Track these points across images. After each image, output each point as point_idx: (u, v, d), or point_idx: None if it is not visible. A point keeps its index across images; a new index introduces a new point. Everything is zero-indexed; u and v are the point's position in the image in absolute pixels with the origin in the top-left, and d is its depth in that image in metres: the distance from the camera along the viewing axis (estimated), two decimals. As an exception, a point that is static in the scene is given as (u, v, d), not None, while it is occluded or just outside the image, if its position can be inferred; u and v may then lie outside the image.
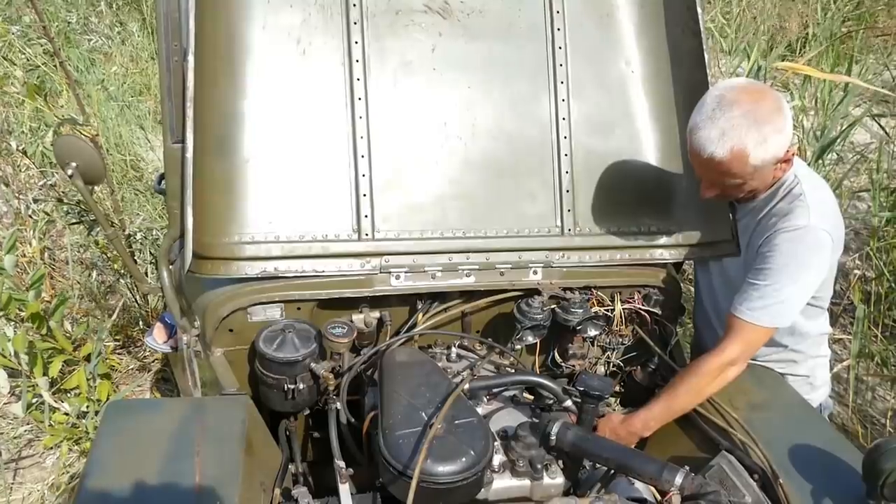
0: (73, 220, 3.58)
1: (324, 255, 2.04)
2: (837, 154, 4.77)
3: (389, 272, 2.08)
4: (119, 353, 3.94)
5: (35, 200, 3.46)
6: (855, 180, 4.79)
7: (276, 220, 2.02)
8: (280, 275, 2.01)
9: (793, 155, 1.99)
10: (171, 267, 2.30)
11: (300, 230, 2.03)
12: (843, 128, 4.15)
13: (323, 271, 2.04)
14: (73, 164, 2.05)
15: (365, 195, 2.08)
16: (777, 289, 1.94)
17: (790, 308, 1.97)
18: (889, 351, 3.73)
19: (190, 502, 1.50)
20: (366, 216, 2.08)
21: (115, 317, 3.59)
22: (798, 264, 1.95)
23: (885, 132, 3.95)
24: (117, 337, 3.98)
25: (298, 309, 2.09)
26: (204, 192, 1.99)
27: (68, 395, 3.16)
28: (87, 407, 3.04)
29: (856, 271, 4.16)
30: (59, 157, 2.07)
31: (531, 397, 2.09)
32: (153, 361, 3.90)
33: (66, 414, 2.93)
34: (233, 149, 2.00)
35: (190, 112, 1.97)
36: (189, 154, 1.97)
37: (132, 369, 3.79)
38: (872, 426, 3.50)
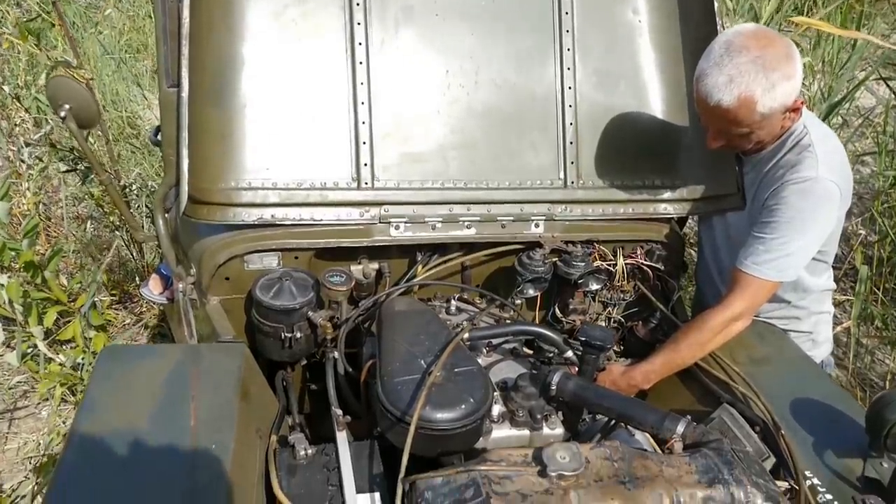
0: (67, 168, 3.53)
1: (322, 203, 2.00)
2: (843, 118, 4.71)
3: (389, 222, 2.04)
4: (115, 308, 3.92)
5: (27, 144, 3.39)
6: (859, 144, 4.74)
7: (274, 167, 1.98)
8: (277, 222, 1.97)
9: (802, 104, 1.94)
10: (166, 215, 2.26)
11: (298, 177, 1.99)
12: (850, 88, 4.09)
13: (321, 220, 2.00)
14: (67, 107, 2.00)
15: (364, 143, 2.03)
16: (783, 242, 1.91)
17: (796, 262, 1.94)
18: (890, 314, 3.72)
19: (184, 445, 1.48)
20: (365, 164, 2.03)
21: (109, 258, 3.54)
22: (805, 217, 1.91)
23: (894, 92, 3.89)
24: (113, 292, 3.96)
25: (296, 258, 2.05)
26: (200, 137, 1.94)
27: (64, 347, 3.14)
28: (83, 359, 3.03)
29: (860, 231, 4.13)
30: (51, 98, 2.01)
31: (531, 352, 2.07)
32: (151, 317, 3.88)
33: (62, 365, 2.91)
34: (230, 93, 1.94)
35: (186, 52, 1.91)
36: (185, 96, 1.92)
37: (128, 324, 3.77)
38: (872, 390, 3.50)
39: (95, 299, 3.63)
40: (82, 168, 3.36)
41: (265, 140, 1.97)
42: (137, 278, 3.96)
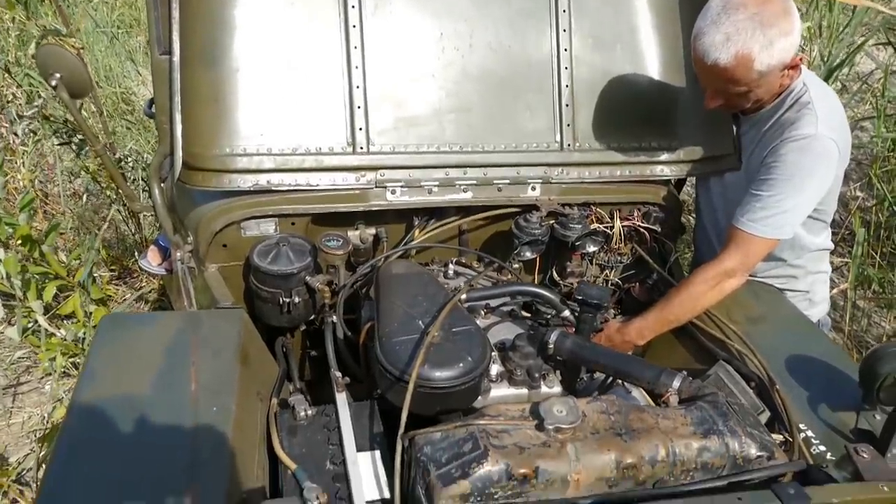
0: (62, 142, 3.51)
1: (318, 168, 2.00)
2: (842, 83, 4.69)
3: (385, 187, 2.04)
4: (116, 284, 3.92)
5: (20, 117, 3.37)
6: (858, 109, 4.72)
7: (268, 133, 1.97)
8: (273, 188, 1.97)
9: (801, 60, 1.93)
10: (162, 185, 2.26)
11: (293, 143, 1.98)
12: (849, 53, 4.06)
13: (317, 185, 2.00)
14: (58, 75, 1.98)
15: (359, 107, 2.03)
16: (780, 199, 1.91)
17: (793, 219, 1.94)
18: (887, 277, 3.73)
19: (185, 410, 1.49)
20: (360, 129, 2.03)
21: (105, 228, 3.52)
22: (803, 175, 1.91)
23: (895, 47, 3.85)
24: (113, 267, 3.97)
25: (293, 224, 2.06)
26: (192, 101, 1.93)
27: (65, 322, 3.15)
28: (84, 333, 3.04)
29: (858, 195, 4.14)
30: (41, 67, 2.00)
31: (529, 314, 2.08)
32: (150, 291, 3.89)
33: (63, 339, 2.93)
34: (221, 56, 1.93)
35: (176, 16, 1.89)
36: (176, 61, 1.91)
37: (129, 299, 3.78)
38: (868, 352, 3.52)
39: (95, 275, 3.65)
40: (76, 141, 3.34)
41: (259, 105, 1.96)
42: (136, 253, 3.96)
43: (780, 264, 2.21)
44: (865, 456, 1.32)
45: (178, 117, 1.89)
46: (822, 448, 1.57)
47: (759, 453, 1.34)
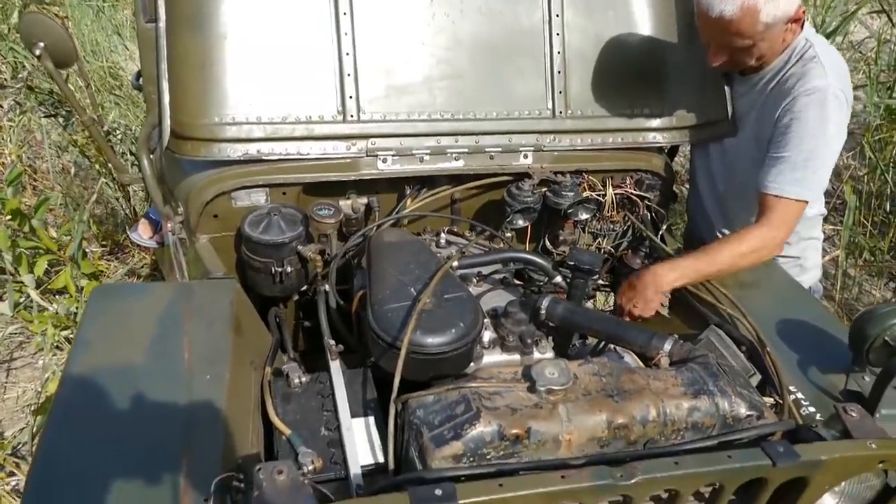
0: (48, 114, 3.47)
1: (308, 137, 1.98)
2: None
3: (376, 155, 2.03)
4: (107, 259, 3.91)
5: (2, 87, 3.32)
6: (851, 78, 4.71)
7: (257, 101, 1.95)
8: (263, 158, 1.96)
9: (804, 13, 1.93)
10: (151, 156, 2.24)
11: (283, 112, 1.97)
12: (844, 18, 4.04)
13: (308, 154, 1.99)
14: (41, 44, 1.95)
15: (349, 75, 2.01)
16: (807, 158, 1.89)
17: (822, 176, 1.94)
18: (877, 246, 3.75)
19: (179, 378, 1.50)
20: (350, 97, 2.01)
21: (94, 198, 3.50)
22: (826, 128, 1.89)
23: (890, 18, 3.84)
24: (104, 242, 3.95)
25: (284, 194, 2.05)
26: (179, 70, 1.91)
27: (57, 297, 3.14)
28: (76, 308, 3.04)
29: (851, 163, 4.14)
30: (25, 35, 1.97)
31: (521, 282, 2.08)
32: (142, 266, 3.88)
33: (55, 313, 2.92)
34: (208, 22, 1.90)
35: (162, -18, 1.86)
36: (162, 27, 1.88)
37: (121, 274, 3.77)
38: (858, 319, 3.54)
39: (87, 250, 3.63)
40: (63, 113, 3.31)
41: (247, 72, 1.94)
42: (127, 228, 3.94)
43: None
44: (854, 415, 1.33)
45: (165, 86, 1.87)
46: (812, 409, 1.59)
47: (748, 413, 1.35)
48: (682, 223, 3.97)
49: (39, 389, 2.77)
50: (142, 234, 2.69)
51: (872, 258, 3.78)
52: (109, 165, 3.15)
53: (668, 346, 1.52)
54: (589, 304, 2.26)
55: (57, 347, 3.06)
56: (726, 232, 2.30)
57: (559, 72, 2.15)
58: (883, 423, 1.39)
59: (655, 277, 1.92)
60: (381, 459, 1.47)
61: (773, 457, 1.21)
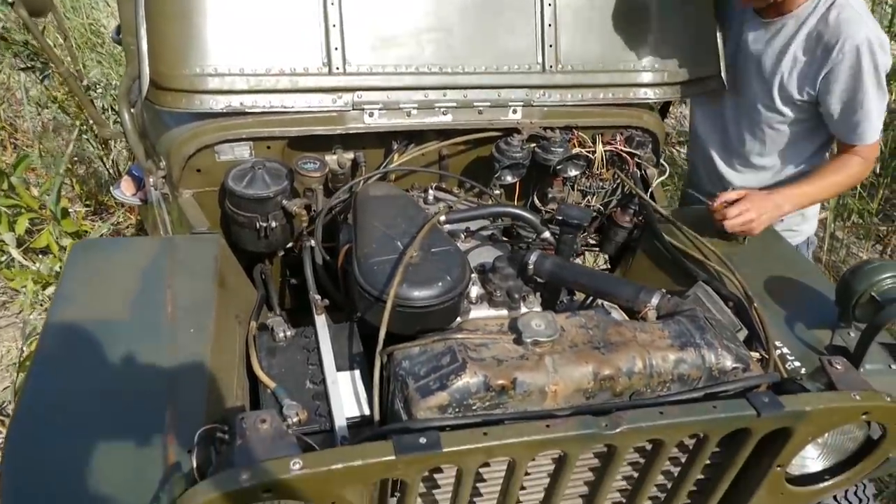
0: (24, 66, 3.39)
1: (292, 89, 1.94)
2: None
3: (362, 109, 1.99)
4: (91, 219, 3.86)
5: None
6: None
7: (240, 52, 1.90)
8: (247, 110, 1.91)
9: None
10: (132, 110, 2.19)
11: (266, 63, 1.92)
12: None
13: (292, 107, 1.94)
14: (16, -9, 1.89)
15: (335, 26, 1.96)
16: (877, 107, 2.07)
17: (882, 118, 2.12)
18: (866, 208, 3.75)
19: (162, 331, 1.48)
20: (336, 49, 1.96)
21: (71, 149, 3.43)
22: (879, 77, 2.04)
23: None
24: (87, 202, 3.89)
25: (268, 148, 2.01)
26: (159, 18, 1.85)
27: (40, 256, 3.10)
28: (59, 267, 3.00)
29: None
30: (-1, -18, 1.90)
31: (508, 239, 2.07)
32: (127, 227, 3.84)
33: (37, 270, 2.88)
34: None
35: (139, -75, 1.80)
36: (141, -27, 1.82)
37: (104, 234, 3.72)
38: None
39: (70, 210, 3.59)
40: (39, 65, 3.23)
41: (229, 21, 1.88)
42: (111, 187, 3.89)
43: (780, 173, 2.30)
44: (839, 368, 1.34)
45: (143, 34, 1.81)
46: (797, 364, 1.59)
47: (734, 365, 1.35)
48: (671, 184, 3.97)
49: (23, 348, 2.74)
50: (125, 190, 2.65)
51: (861, 220, 3.79)
52: (90, 121, 3.08)
53: (655, 300, 1.51)
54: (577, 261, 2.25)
55: (40, 306, 3.03)
56: (736, 182, 2.38)
57: (549, 25, 2.11)
58: (867, 378, 1.40)
59: (779, 209, 2.07)
60: (366, 412, 1.46)
61: (758, 407, 1.21)
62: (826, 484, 1.47)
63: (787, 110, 2.20)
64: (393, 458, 1.06)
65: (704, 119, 2.44)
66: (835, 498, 1.79)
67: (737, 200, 2.00)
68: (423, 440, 1.08)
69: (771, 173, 2.35)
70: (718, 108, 2.36)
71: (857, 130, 2.11)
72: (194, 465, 1.18)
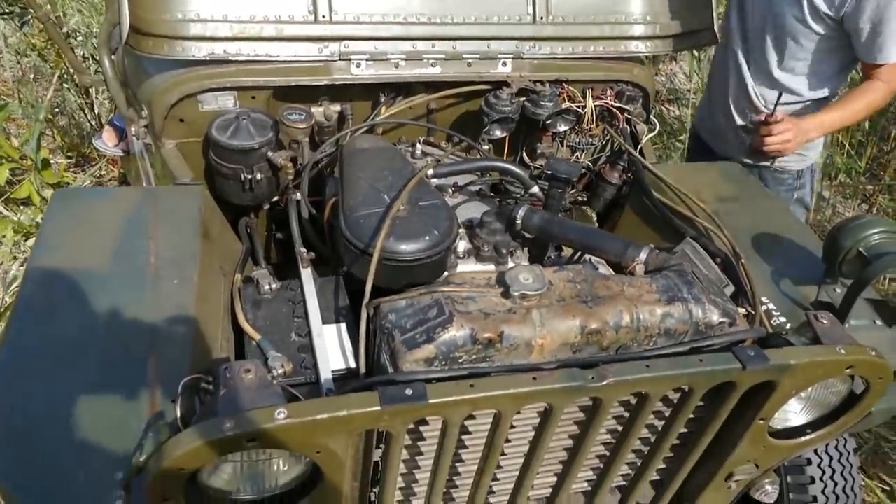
0: (1, 12, 3.29)
1: (277, 37, 1.89)
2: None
3: (349, 59, 1.94)
4: (74, 171, 3.80)
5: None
6: None
7: None
8: (230, 58, 1.86)
9: None
10: (112, 57, 2.13)
11: (251, 10, 1.86)
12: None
13: (277, 56, 1.90)
14: (-12, -70, 1.81)
15: (320, -29, 1.90)
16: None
17: None
18: (854, 166, 3.75)
19: (145, 281, 1.46)
20: (322, -5, 1.91)
21: (50, 94, 3.35)
22: None
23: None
24: (69, 153, 3.82)
25: (253, 98, 1.97)
26: (140, -40, 1.79)
27: (21, 207, 3.05)
28: (41, 218, 2.95)
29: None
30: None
31: (497, 195, 2.05)
32: (110, 179, 3.78)
33: (19, 221, 2.84)
34: None
35: None
36: (119, -89, 1.75)
37: (88, 185, 3.66)
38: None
39: (52, 161, 3.52)
40: (17, 10, 3.13)
41: None
42: (93, 139, 3.82)
43: (796, 92, 2.42)
44: (825, 322, 1.34)
45: None
46: (783, 319, 1.60)
47: (721, 320, 1.35)
48: (659, 142, 3.94)
49: (5, 298, 2.71)
50: (106, 141, 2.59)
51: (849, 179, 3.79)
52: (70, 70, 3.00)
53: (643, 255, 1.50)
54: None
55: (22, 254, 2.99)
56: (753, 98, 2.49)
57: None
58: (853, 333, 1.40)
59: (806, 135, 2.28)
60: (352, 365, 1.46)
61: (743, 360, 1.21)
62: (808, 437, 1.49)
63: (815, 25, 2.27)
64: (378, 408, 1.06)
65: (730, 30, 2.50)
66: (815, 451, 1.81)
67: (777, 122, 2.22)
68: (408, 391, 1.07)
69: (788, 91, 2.41)
70: (748, 12, 2.44)
71: (883, 50, 2.20)
72: (178, 414, 1.17)
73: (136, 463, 1.10)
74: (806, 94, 2.43)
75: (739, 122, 2.56)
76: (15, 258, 2.90)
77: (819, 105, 2.44)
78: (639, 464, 1.50)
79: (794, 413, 1.48)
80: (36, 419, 1.18)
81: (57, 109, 4.07)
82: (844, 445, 1.84)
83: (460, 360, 1.25)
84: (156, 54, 1.82)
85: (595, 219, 2.27)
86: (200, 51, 1.83)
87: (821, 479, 1.82)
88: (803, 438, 1.48)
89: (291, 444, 1.07)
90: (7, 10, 3.24)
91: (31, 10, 2.35)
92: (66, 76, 3.66)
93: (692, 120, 3.25)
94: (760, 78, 2.47)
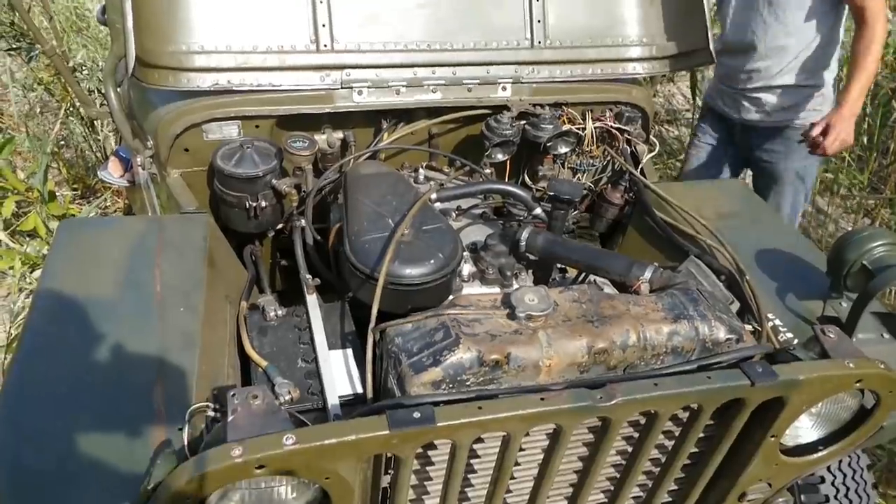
0: (9, 47, 3.33)
1: (280, 67, 1.91)
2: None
3: (351, 87, 1.97)
4: (79, 203, 3.82)
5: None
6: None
7: (227, 29, 1.87)
8: (234, 88, 1.89)
9: None
10: (118, 89, 2.16)
11: (254, 40, 1.89)
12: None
13: (280, 85, 1.92)
14: (-4, -32, 1.85)
15: (321, 2, 1.93)
16: None
17: None
18: (856, 181, 3.76)
19: (151, 310, 1.47)
20: (323, 25, 1.94)
21: (57, 128, 3.37)
22: None
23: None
24: (75, 186, 3.85)
25: (257, 127, 1.99)
26: (144, -5, 1.81)
27: (27, 239, 3.07)
28: (47, 249, 2.97)
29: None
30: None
31: (500, 218, 2.06)
32: (115, 211, 3.80)
33: (25, 252, 2.85)
34: None
35: None
36: (124, -53, 1.78)
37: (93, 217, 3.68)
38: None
39: (58, 193, 3.55)
40: (25, 45, 3.18)
41: None
42: (98, 170, 3.85)
43: (798, 54, 2.62)
44: (832, 336, 1.34)
45: (128, 9, 1.77)
46: (790, 335, 1.60)
47: (728, 337, 1.35)
48: (660, 162, 3.96)
49: (10, 330, 2.71)
50: (112, 172, 2.62)
51: (850, 193, 3.80)
52: (76, 103, 3.04)
53: (648, 274, 1.51)
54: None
55: (28, 286, 3.00)
56: (759, 66, 2.68)
57: (537, 0, 2.08)
58: (861, 347, 1.40)
59: (853, 117, 2.47)
60: (359, 390, 1.46)
61: (752, 376, 1.21)
62: (820, 454, 1.47)
63: None
64: (387, 432, 1.05)
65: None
66: (828, 469, 1.80)
67: (824, 129, 2.45)
68: (416, 414, 1.07)
69: (791, 55, 2.62)
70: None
71: None
72: (185, 442, 1.17)
73: (144, 491, 1.09)
74: (807, 55, 2.62)
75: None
76: (21, 290, 2.91)
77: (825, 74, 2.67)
78: (650, 485, 1.48)
79: (805, 430, 1.47)
80: (42, 452, 1.18)
81: (63, 142, 4.12)
82: (858, 462, 1.82)
83: (468, 383, 1.24)
84: (161, 86, 1.84)
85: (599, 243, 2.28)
86: (205, 81, 1.86)
87: (835, 497, 1.80)
88: (815, 455, 1.47)
89: (300, 470, 1.06)
90: (15, 46, 3.29)
91: (38, 45, 2.38)
92: (71, 109, 3.70)
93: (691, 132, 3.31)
94: (759, 44, 2.66)
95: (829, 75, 2.72)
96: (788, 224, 2.16)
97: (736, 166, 3.01)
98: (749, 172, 3.10)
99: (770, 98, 2.72)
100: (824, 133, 2.46)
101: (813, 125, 2.50)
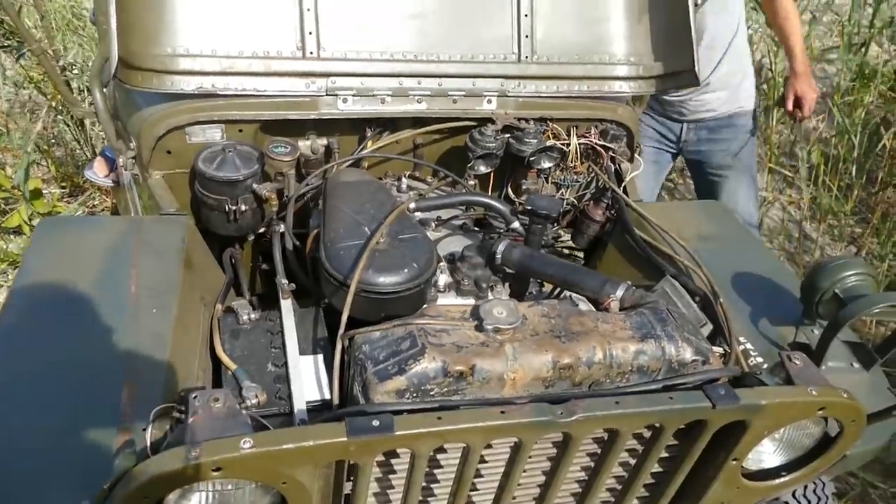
0: (-1, 46, 3.34)
1: (265, 73, 1.92)
2: (811, 13, 4.65)
3: (336, 94, 1.97)
4: (67, 201, 3.82)
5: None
6: (825, 40, 4.71)
7: (213, 33, 1.87)
8: (218, 92, 1.89)
9: None
10: (104, 90, 2.17)
11: (239, 45, 1.90)
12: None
13: (265, 91, 1.92)
14: (-14, -35, 1.86)
15: (309, 10, 1.94)
16: None
17: None
18: (841, 210, 3.78)
19: (124, 309, 1.47)
20: (310, 33, 1.94)
21: (40, 125, 3.38)
22: None
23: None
24: (63, 184, 3.85)
25: (240, 131, 1.99)
26: (131, -3, 1.82)
27: (12, 237, 3.06)
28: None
29: (819, 125, 4.15)
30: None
31: (479, 229, 2.06)
32: (102, 210, 3.80)
33: (6, 248, 2.84)
34: None
35: None
36: (112, -52, 1.79)
37: (80, 215, 3.68)
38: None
39: (45, 191, 3.54)
40: (14, 44, 3.18)
41: (202, 3, 1.86)
42: (84, 169, 3.85)
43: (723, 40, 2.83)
44: (798, 363, 1.35)
45: (113, 11, 1.78)
46: (760, 360, 1.60)
47: (694, 358, 1.35)
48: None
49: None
50: (97, 171, 2.62)
51: (836, 221, 3.82)
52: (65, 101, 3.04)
53: (620, 292, 1.51)
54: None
55: (8, 284, 2.99)
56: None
57: (526, 15, 2.10)
58: (829, 375, 1.41)
59: (807, 73, 2.87)
60: (327, 396, 1.45)
61: (714, 399, 1.22)
62: (782, 479, 1.48)
63: None
64: (344, 439, 1.06)
65: None
66: (793, 495, 1.80)
67: (795, 99, 2.87)
68: (375, 423, 1.07)
69: (718, 54, 2.83)
70: None
71: None
72: (148, 442, 1.17)
73: (102, 491, 1.09)
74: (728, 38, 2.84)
75: None
76: (0, 286, 2.90)
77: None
78: (612, 502, 1.48)
79: (767, 454, 1.47)
80: (7, 447, 1.18)
81: (53, 140, 4.11)
82: (823, 489, 1.82)
83: (432, 393, 1.25)
84: (145, 88, 1.84)
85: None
86: (189, 84, 1.86)
87: (799, 523, 1.80)
88: (778, 481, 1.48)
89: (257, 474, 1.06)
90: (5, 44, 3.29)
91: (26, 43, 2.38)
92: (61, 108, 3.70)
93: None
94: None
95: (748, 59, 3.01)
96: (767, 249, 2.17)
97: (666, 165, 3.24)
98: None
99: (711, 96, 2.94)
100: (797, 104, 2.87)
101: (784, 99, 2.92)
